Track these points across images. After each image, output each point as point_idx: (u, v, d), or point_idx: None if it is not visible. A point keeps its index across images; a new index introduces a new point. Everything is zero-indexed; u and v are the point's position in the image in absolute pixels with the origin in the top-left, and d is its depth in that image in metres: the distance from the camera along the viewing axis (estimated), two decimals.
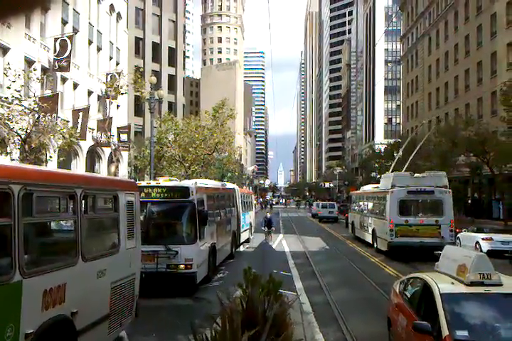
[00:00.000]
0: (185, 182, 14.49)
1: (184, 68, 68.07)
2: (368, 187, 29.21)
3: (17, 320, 4.95)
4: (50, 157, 21.18)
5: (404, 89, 70.30)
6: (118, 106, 37.60)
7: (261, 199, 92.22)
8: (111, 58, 37.58)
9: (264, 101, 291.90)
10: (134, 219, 8.51)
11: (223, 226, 17.71)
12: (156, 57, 58.08)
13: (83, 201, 6.65)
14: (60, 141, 20.33)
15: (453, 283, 6.34)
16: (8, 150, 18.53)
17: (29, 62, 25.26)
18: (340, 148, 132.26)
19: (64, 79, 29.44)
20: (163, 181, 14.04)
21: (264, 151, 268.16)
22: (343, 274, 16.63)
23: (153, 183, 13.79)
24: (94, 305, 6.69)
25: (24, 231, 5.16)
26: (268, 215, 26.24)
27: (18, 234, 5.04)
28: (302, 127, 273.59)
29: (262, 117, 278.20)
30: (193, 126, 33.56)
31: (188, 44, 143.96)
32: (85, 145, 30.64)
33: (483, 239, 20.95)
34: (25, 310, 5.06)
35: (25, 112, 18.18)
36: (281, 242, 26.43)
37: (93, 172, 31.76)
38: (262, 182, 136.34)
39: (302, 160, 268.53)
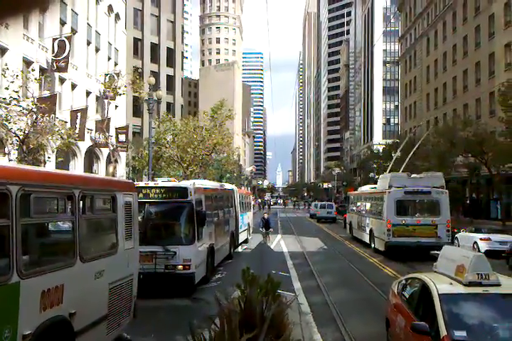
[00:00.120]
0: (184, 183, 14.46)
1: (182, 69, 68.00)
2: (366, 188, 29.27)
3: (15, 321, 4.94)
4: (49, 157, 21.16)
5: (402, 90, 70.37)
6: (116, 106, 37.59)
7: (259, 200, 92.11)
8: (109, 59, 37.56)
9: (262, 102, 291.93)
10: (132, 220, 8.50)
11: (221, 227, 17.70)
12: (155, 58, 58.04)
13: (81, 202, 6.64)
14: (58, 141, 20.32)
15: (451, 284, 6.34)
16: (6, 151, 18.53)
17: (27, 63, 25.22)
18: (339, 148, 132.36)
19: (62, 80, 29.41)
20: (162, 181, 14.03)
21: (262, 152, 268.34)
22: (342, 274, 16.63)
23: (151, 184, 13.79)
24: (92, 305, 6.68)
25: (22, 232, 5.15)
26: (266, 216, 25.68)
27: (16, 235, 5.03)
28: (301, 128, 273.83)
29: (261, 118, 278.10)
30: (191, 126, 33.53)
31: (186, 45, 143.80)
32: (83, 145, 30.62)
33: (481, 239, 21.02)
34: (23, 311, 5.04)
35: (23, 113, 18.17)
36: (280, 243, 26.42)
37: (91, 172, 31.72)
38: (260, 182, 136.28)
39: (300, 161, 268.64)
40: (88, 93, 33.00)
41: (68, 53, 27.14)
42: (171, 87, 59.44)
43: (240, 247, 23.31)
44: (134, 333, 8.58)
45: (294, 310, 9.51)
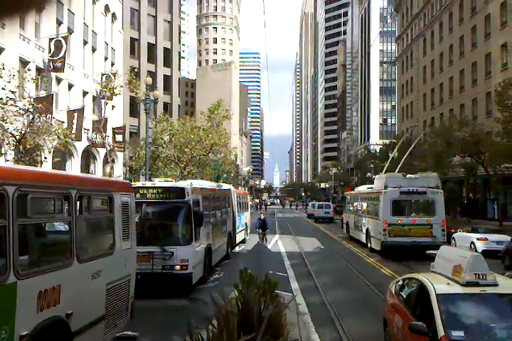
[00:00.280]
0: (181, 183, 14.44)
1: (179, 69, 67.99)
2: (363, 188, 29.32)
3: (12, 321, 4.92)
4: (45, 158, 21.10)
5: (399, 90, 70.47)
6: (113, 106, 37.51)
7: (256, 200, 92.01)
8: (106, 59, 37.50)
9: (259, 102, 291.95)
10: (129, 220, 8.49)
11: (219, 227, 17.69)
12: (152, 58, 57.96)
13: (78, 202, 6.62)
14: (55, 141, 20.25)
15: (448, 284, 6.35)
16: (3, 152, 18.48)
17: (24, 63, 25.16)
18: (336, 148, 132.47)
19: (59, 80, 29.34)
20: (159, 182, 14.01)
21: (259, 152, 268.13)
22: (339, 275, 16.64)
23: (148, 184, 13.77)
24: (89, 306, 6.66)
25: (19, 232, 5.13)
26: (262, 216, 25.48)
27: (13, 236, 5.01)
28: (298, 128, 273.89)
29: (258, 118, 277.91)
30: (188, 126, 33.50)
31: (183, 45, 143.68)
32: (80, 146, 30.55)
33: (478, 239, 21.07)
34: (19, 312, 5.02)
35: (19, 113, 18.10)
36: (277, 243, 26.42)
37: (88, 173, 31.67)
38: (257, 182, 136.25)
39: (298, 161, 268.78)
40: (85, 93, 32.94)
41: (65, 53, 27.06)
42: (167, 87, 59.39)
43: (237, 247, 23.30)
44: None
45: (291, 311, 9.50)
